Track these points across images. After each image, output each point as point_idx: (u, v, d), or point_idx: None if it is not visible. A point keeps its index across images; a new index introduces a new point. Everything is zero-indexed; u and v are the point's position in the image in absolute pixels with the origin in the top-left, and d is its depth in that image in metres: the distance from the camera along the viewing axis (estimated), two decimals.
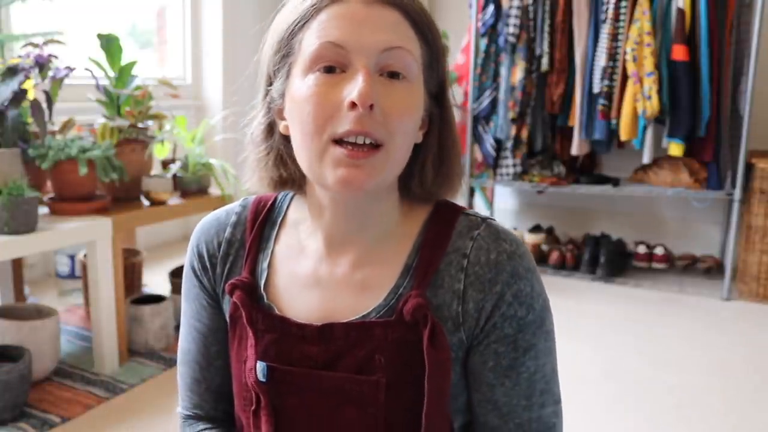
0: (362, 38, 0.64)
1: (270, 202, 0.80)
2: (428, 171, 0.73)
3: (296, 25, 0.68)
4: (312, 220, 0.75)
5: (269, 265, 0.77)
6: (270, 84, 0.72)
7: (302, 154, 0.68)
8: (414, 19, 0.67)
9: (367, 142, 0.64)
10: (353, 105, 0.63)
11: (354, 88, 0.63)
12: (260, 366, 0.72)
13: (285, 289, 0.75)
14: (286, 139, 0.72)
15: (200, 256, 0.80)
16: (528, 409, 0.72)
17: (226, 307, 0.79)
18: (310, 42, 0.66)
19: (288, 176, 0.75)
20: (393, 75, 0.66)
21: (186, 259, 0.83)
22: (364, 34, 0.64)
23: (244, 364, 0.74)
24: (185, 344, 0.84)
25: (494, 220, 0.74)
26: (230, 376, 0.81)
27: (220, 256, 0.79)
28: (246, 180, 0.78)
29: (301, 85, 0.66)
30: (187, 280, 0.83)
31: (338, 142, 0.65)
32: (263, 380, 0.72)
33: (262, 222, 0.79)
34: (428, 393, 0.68)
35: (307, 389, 0.71)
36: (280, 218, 0.79)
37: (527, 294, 0.70)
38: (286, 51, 0.69)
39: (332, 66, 0.65)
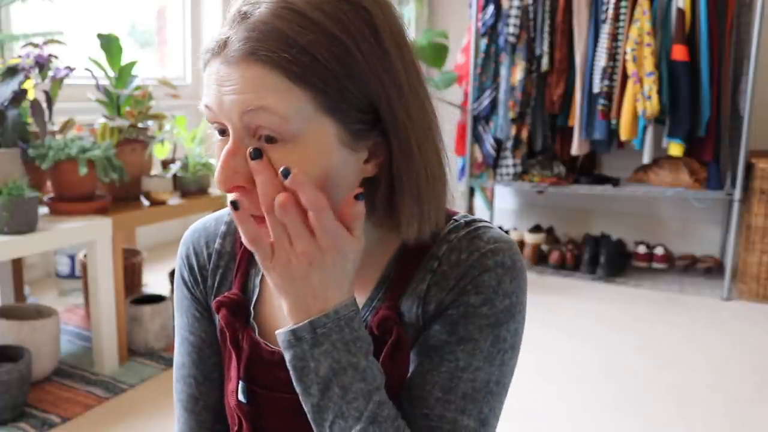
0: (223, 102, 0.57)
1: None
2: (378, 210, 0.63)
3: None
4: None
5: (261, 281, 0.73)
6: None
7: None
8: (284, 66, 0.54)
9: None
10: None
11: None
12: (241, 387, 0.70)
13: (277, 307, 0.71)
14: None
15: (191, 268, 0.77)
16: (442, 405, 0.63)
17: (218, 322, 0.77)
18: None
19: None
20: (270, 140, 0.56)
21: (176, 268, 0.79)
22: (224, 97, 0.56)
23: (229, 383, 0.72)
24: (180, 358, 0.80)
25: (482, 222, 0.67)
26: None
27: (210, 268, 0.75)
28: None
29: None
30: (178, 290, 0.79)
31: None
32: (244, 402, 0.70)
33: None
34: None
35: (286, 412, 0.69)
36: None
37: (489, 286, 0.62)
38: None
39: (221, 129, 0.60)
